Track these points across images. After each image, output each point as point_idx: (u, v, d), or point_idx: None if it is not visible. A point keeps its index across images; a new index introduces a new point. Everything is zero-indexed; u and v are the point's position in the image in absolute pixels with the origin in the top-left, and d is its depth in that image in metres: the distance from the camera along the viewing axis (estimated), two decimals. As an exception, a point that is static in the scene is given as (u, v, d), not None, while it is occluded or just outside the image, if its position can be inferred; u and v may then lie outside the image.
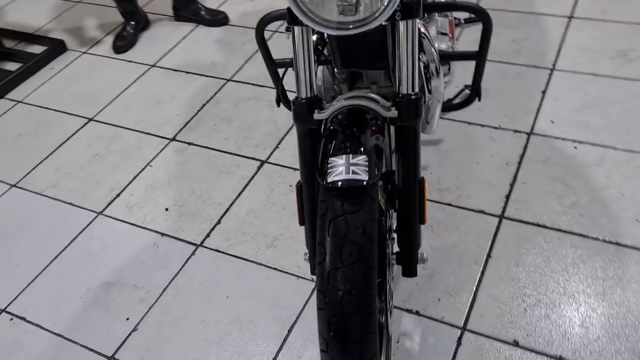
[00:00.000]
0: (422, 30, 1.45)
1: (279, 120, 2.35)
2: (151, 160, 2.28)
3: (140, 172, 2.24)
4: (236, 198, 2.07)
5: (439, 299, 1.66)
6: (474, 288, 1.67)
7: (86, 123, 2.53)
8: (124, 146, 2.37)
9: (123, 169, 2.26)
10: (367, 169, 1.06)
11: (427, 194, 1.30)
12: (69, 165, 2.32)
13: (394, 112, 1.19)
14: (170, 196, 2.11)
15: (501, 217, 1.85)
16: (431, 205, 1.91)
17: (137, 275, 1.85)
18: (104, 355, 1.65)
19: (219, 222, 1.99)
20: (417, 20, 1.17)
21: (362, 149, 1.10)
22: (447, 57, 1.56)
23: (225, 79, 2.63)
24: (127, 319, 1.73)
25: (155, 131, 2.42)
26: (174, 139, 2.36)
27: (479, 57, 1.50)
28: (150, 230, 2.00)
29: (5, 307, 1.82)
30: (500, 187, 1.94)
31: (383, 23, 1.11)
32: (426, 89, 1.53)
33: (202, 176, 2.17)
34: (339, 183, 1.05)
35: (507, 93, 2.28)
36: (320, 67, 1.58)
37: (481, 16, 1.39)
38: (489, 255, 1.75)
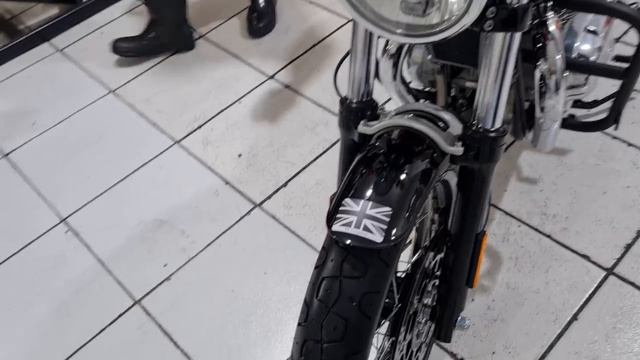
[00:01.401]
0: (552, 27, 1.07)
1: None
2: (242, 97, 2.13)
3: (228, 107, 2.10)
4: (311, 162, 1.87)
5: (493, 353, 1.37)
6: (542, 353, 1.36)
7: (197, 38, 2.42)
8: (222, 74, 2.23)
9: (213, 99, 2.14)
10: (385, 226, 0.79)
11: (483, 252, 1.01)
12: (166, 82, 2.25)
13: (458, 149, 0.89)
14: (247, 141, 1.97)
15: (610, 271, 1.47)
16: (526, 232, 1.57)
17: (188, 221, 1.77)
18: (132, 297, 1.61)
19: (285, 184, 1.82)
20: (517, 35, 0.83)
21: (391, 195, 0.83)
22: (580, 69, 1.16)
23: (347, 19, 2.35)
24: (165, 265, 1.67)
25: (257, 63, 2.24)
26: (272, 77, 2.18)
27: (627, 76, 1.11)
28: (217, 174, 1.89)
29: (66, 218, 1.85)
30: (623, 233, 1.53)
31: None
32: (537, 106, 1.17)
33: (286, 127, 1.99)
34: (344, 238, 0.80)
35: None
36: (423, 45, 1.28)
37: (637, 25, 0.99)
38: (575, 317, 1.40)
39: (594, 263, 1.49)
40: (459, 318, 1.06)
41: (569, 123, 1.31)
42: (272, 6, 2.38)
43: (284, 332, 1.48)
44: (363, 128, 0.94)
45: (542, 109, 1.16)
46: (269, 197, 1.80)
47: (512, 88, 1.21)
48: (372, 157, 0.89)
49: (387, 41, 1.25)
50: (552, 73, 1.10)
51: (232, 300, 1.57)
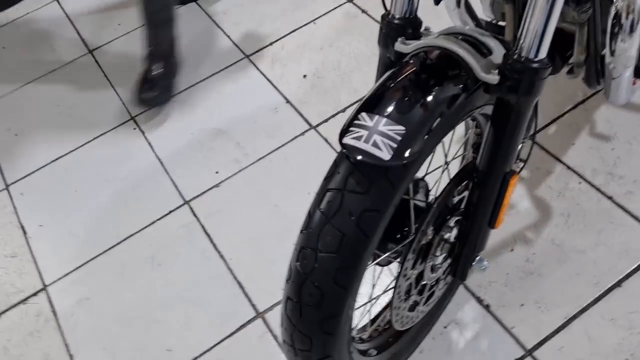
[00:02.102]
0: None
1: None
2: (318, 17, 2.09)
3: (302, 26, 2.08)
4: (374, 90, 1.82)
5: (522, 305, 1.33)
6: (572, 314, 1.30)
7: (283, -45, 2.38)
8: (302, -8, 2.20)
9: (289, 17, 2.12)
10: (395, 145, 0.77)
11: (510, 193, 0.95)
12: (246, -5, 2.26)
13: (493, 77, 0.83)
14: (315, 63, 1.95)
15: (670, 244, 1.35)
16: (586, 191, 1.47)
17: (245, 134, 1.81)
18: (182, 197, 1.69)
19: (344, 110, 1.80)
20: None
21: (410, 115, 0.79)
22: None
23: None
24: (217, 172, 1.73)
25: (339, -15, 2.19)
26: (350, 1, 2.12)
27: None
28: (279, 92, 1.89)
29: (135, 116, 1.94)
30: (695, 205, 1.40)
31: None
32: (607, 49, 1.07)
33: (355, 52, 1.94)
34: (352, 152, 0.78)
35: None
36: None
37: None
38: (619, 284, 1.32)
39: (655, 232, 1.38)
40: (477, 257, 1.03)
41: (647, 72, 1.19)
42: None
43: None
44: (400, 46, 0.90)
45: (612, 52, 1.05)
46: (325, 121, 1.79)
47: (585, 25, 1.11)
48: (401, 74, 0.86)
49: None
50: (629, 12, 0.99)
51: (273, 214, 1.61)
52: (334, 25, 2.06)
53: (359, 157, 0.78)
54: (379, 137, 0.77)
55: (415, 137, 0.78)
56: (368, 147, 0.77)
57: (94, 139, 1.90)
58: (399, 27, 0.92)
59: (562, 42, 1.22)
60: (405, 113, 0.79)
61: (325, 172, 1.63)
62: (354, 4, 2.11)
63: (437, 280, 1.10)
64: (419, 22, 0.93)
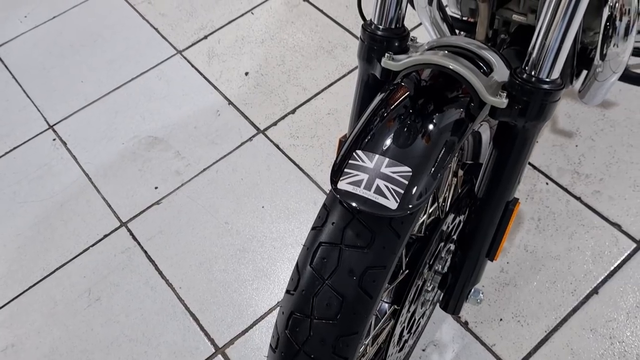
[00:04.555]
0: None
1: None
2: (256, 7, 1.92)
3: (239, 17, 1.90)
4: (325, 88, 1.69)
5: (501, 319, 1.26)
6: (553, 325, 1.24)
7: (211, -64, 2.17)
8: (236, -22, 2.01)
9: (223, 6, 1.93)
10: (402, 191, 0.64)
11: (512, 222, 0.86)
12: (172, -18, 2.04)
13: (502, 100, 0.72)
14: (257, 58, 1.78)
15: (641, 244, 1.33)
16: (554, 192, 1.41)
17: (184, 141, 1.62)
18: (118, 218, 1.50)
19: (293, 111, 1.66)
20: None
21: (414, 151, 0.67)
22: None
23: None
24: (156, 187, 1.54)
25: (275, -30, 2.01)
26: (290, -13, 1.96)
27: None
28: (220, 92, 1.72)
29: (54, 125, 1.70)
30: (662, 203, 1.38)
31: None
32: (597, 52, 0.99)
33: (300, 46, 1.79)
34: (351, 200, 0.65)
35: None
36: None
37: None
38: (595, 290, 1.28)
39: (625, 233, 1.34)
40: (473, 290, 0.94)
41: (627, 75, 1.12)
42: None
43: (277, 274, 1.37)
44: (388, 62, 0.77)
45: (602, 57, 0.97)
46: (274, 124, 1.64)
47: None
48: (396, 99, 0.72)
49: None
50: (624, 13, 0.90)
51: (225, 233, 1.45)
52: (273, 15, 1.89)
53: (360, 207, 0.64)
54: (383, 181, 0.64)
55: (423, 178, 0.66)
56: (370, 195, 0.64)
57: (6, 153, 1.65)
58: (384, 38, 0.79)
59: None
60: (407, 151, 0.67)
61: (277, 181, 1.51)
62: (294, -9, 1.95)
63: (424, 313, 1.00)
64: (406, 33, 0.80)
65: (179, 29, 1.89)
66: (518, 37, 1.15)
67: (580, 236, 1.35)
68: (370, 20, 0.81)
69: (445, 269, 0.94)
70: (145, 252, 1.44)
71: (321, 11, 1.87)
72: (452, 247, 0.94)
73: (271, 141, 1.60)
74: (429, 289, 0.94)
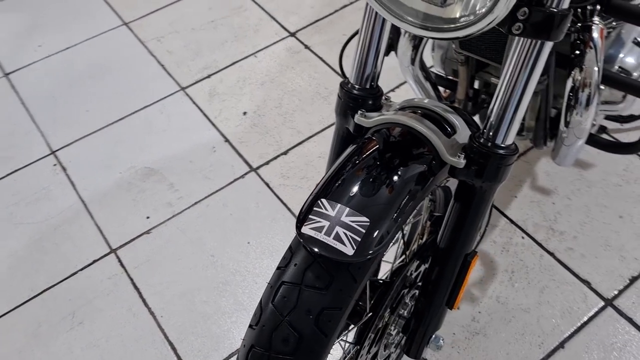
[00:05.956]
0: (595, 35, 0.94)
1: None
2: (259, 50, 2.01)
3: (242, 59, 1.99)
4: (318, 132, 1.76)
5: (469, 368, 1.30)
6: (519, 378, 1.28)
7: (222, -19, 2.29)
8: (242, 22, 2.11)
9: (228, 49, 2.03)
10: (359, 239, 0.70)
11: (470, 274, 0.91)
12: (182, 22, 2.13)
13: (459, 161, 0.78)
14: (256, 100, 1.86)
15: (609, 302, 1.36)
16: (529, 246, 1.46)
17: (179, 174, 1.69)
18: (108, 245, 1.55)
19: (286, 152, 1.73)
20: (549, 44, 0.71)
21: (374, 203, 0.73)
22: (618, 85, 1.03)
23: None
24: (147, 217, 1.60)
25: (280, 18, 2.11)
26: (293, 35, 2.05)
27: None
28: (218, 130, 1.79)
29: (56, 150, 1.78)
30: (631, 263, 1.42)
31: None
32: (562, 119, 1.06)
33: (298, 90, 1.88)
34: (312, 245, 0.71)
35: None
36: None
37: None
38: (562, 345, 1.31)
39: (594, 291, 1.39)
40: (433, 337, 0.98)
41: (595, 140, 1.19)
42: None
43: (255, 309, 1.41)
44: (360, 119, 0.84)
45: (567, 124, 1.04)
46: (266, 163, 1.70)
47: (538, 94, 1.09)
48: (362, 153, 0.79)
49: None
50: (586, 86, 0.98)
51: (210, 265, 1.50)
52: (276, 59, 1.98)
53: (320, 252, 0.70)
54: (342, 229, 0.70)
55: (380, 229, 0.72)
56: (330, 241, 0.70)
57: (7, 175, 1.72)
58: (359, 97, 0.86)
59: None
60: (368, 201, 0.73)
61: (265, 218, 1.57)
62: (297, 38, 2.04)
63: (389, 356, 1.04)
64: (380, 93, 0.87)
65: (184, 67, 1.98)
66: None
67: (551, 291, 1.39)
68: (348, 79, 0.88)
69: (409, 314, 0.99)
70: (132, 279, 1.48)
71: (321, 59, 1.96)
72: (417, 293, 0.98)
73: (262, 179, 1.67)
74: (393, 332, 0.99)
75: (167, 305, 1.44)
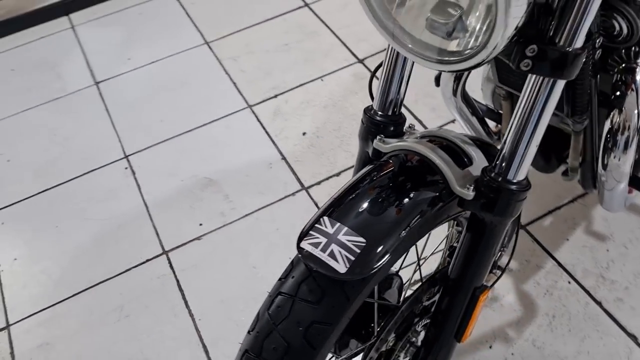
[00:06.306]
0: (639, 77, 0.91)
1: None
2: (326, 75, 2.08)
3: (309, 82, 2.06)
4: (371, 157, 1.79)
5: (494, 411, 1.26)
6: None
7: (301, 6, 2.38)
8: (314, 46, 2.19)
9: (297, 71, 2.11)
10: (353, 257, 0.72)
11: (480, 309, 0.90)
12: (257, 44, 2.25)
13: (468, 193, 0.78)
14: (317, 121, 1.92)
15: (657, 362, 1.28)
16: (574, 291, 1.40)
17: (235, 187, 1.77)
18: (161, 246, 1.65)
19: (338, 174, 1.76)
20: (561, 82, 0.70)
21: (374, 226, 0.75)
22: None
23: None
24: (200, 224, 1.69)
25: (351, 44, 2.17)
26: (361, 62, 2.10)
27: None
28: (277, 147, 1.86)
29: (129, 155, 1.92)
30: (688, 324, 1.32)
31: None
32: (600, 162, 1.02)
33: (358, 115, 1.89)
34: (308, 259, 0.74)
35: None
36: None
37: None
38: (598, 401, 1.24)
39: (641, 346, 1.30)
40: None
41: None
42: None
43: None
44: (378, 144, 0.87)
45: (604, 166, 1.00)
46: (318, 183, 1.75)
47: (582, 133, 1.06)
48: (372, 177, 0.81)
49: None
50: (625, 129, 0.94)
51: (251, 276, 1.56)
52: (341, 84, 2.04)
53: (315, 267, 0.73)
54: (337, 247, 0.73)
55: (376, 251, 0.73)
56: (324, 257, 0.73)
57: (84, 174, 1.88)
58: (381, 123, 0.89)
59: (559, 142, 1.18)
60: (369, 223, 0.75)
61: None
62: (364, 64, 2.09)
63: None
64: (402, 120, 0.89)
65: (254, 86, 2.09)
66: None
67: (592, 341, 1.32)
68: (372, 105, 0.91)
69: (420, 342, 0.98)
70: (178, 280, 1.57)
71: (384, 86, 1.99)
72: (428, 322, 0.98)
73: (312, 198, 1.71)
74: (401, 358, 0.98)
75: (206, 310, 1.50)
